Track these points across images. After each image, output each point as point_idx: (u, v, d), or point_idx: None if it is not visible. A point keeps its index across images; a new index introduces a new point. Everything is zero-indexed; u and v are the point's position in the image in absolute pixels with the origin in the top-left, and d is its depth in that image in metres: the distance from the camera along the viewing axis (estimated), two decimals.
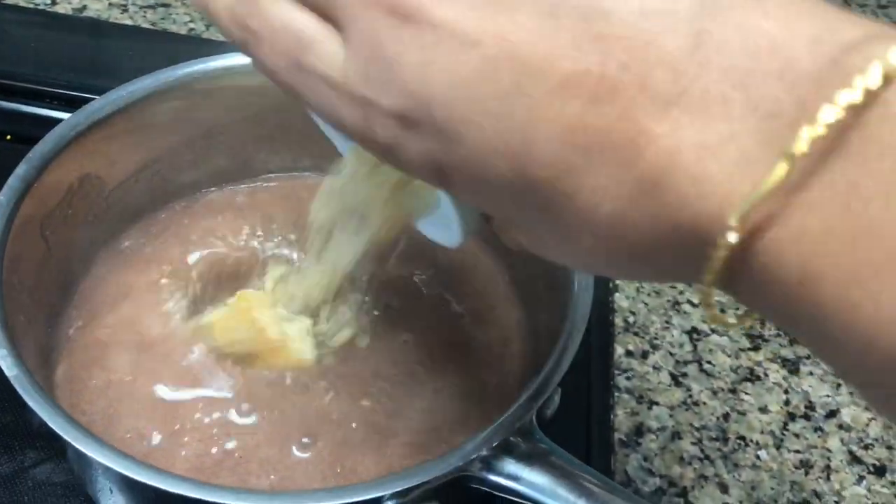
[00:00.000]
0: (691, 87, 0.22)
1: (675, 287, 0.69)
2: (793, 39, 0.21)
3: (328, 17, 0.27)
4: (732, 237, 0.22)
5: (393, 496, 0.40)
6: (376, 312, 0.52)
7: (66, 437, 0.39)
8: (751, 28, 0.22)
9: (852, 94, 0.20)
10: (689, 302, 0.68)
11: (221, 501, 0.38)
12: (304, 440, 0.47)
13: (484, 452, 0.41)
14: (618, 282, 0.69)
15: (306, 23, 0.27)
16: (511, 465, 0.42)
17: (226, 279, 0.54)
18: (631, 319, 0.67)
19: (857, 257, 0.19)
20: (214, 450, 0.47)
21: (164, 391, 0.49)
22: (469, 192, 0.27)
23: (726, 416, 0.62)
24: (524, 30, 0.23)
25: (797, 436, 0.61)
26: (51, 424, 0.40)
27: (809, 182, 0.20)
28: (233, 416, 0.48)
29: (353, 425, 0.48)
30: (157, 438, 0.47)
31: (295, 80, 0.28)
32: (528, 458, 0.42)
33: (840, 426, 0.61)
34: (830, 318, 0.20)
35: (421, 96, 0.24)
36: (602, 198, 0.24)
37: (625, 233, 0.24)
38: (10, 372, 0.41)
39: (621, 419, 0.61)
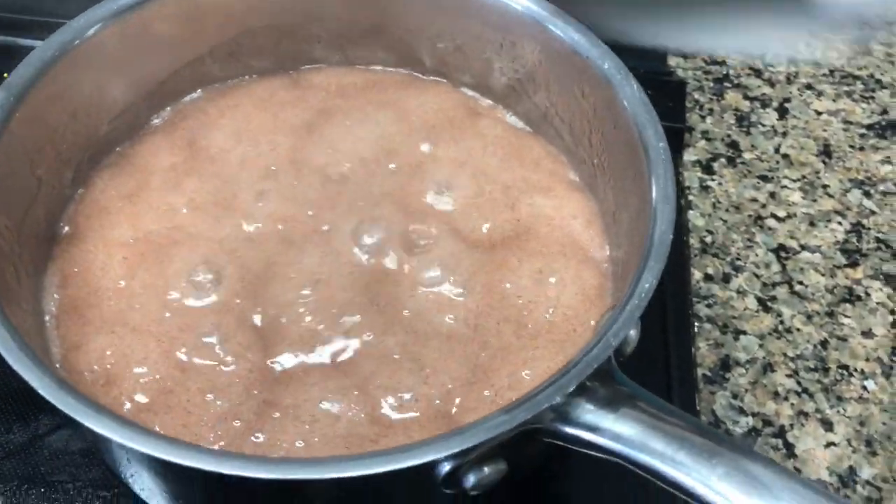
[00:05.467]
0: None
1: (756, 200, 0.61)
2: None
3: None
4: None
5: (450, 458, 0.33)
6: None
7: (72, 415, 0.33)
8: None
9: None
10: (774, 216, 0.60)
11: (258, 476, 0.32)
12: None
13: (557, 401, 0.34)
14: (691, 198, 0.61)
15: None
16: (589, 414, 0.35)
17: None
18: (708, 239, 0.59)
19: None
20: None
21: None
22: None
23: (824, 344, 0.54)
24: None
25: None
26: (53, 401, 0.34)
27: None
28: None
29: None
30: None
31: None
32: (610, 405, 0.36)
33: None
34: None
35: None
36: None
37: None
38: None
39: (704, 352, 0.53)
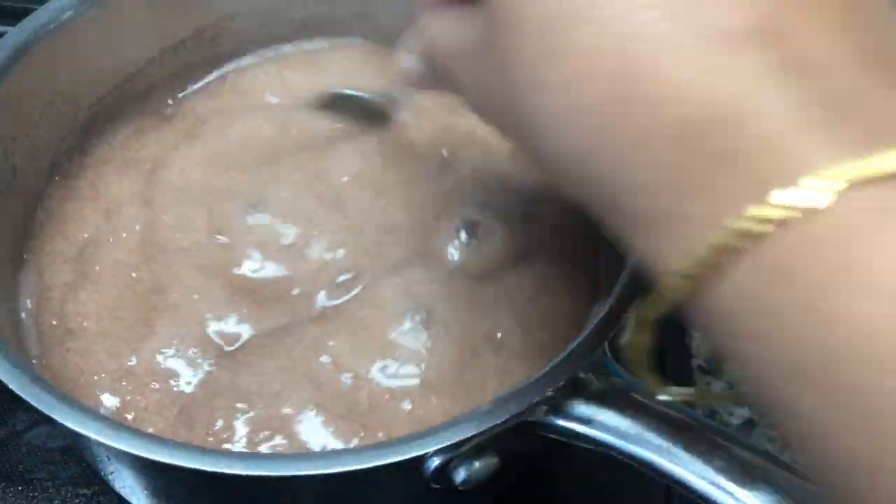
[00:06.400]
0: None
1: None
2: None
3: None
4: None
5: (438, 453, 0.32)
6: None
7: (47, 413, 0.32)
8: None
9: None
10: None
11: (240, 473, 0.31)
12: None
13: (549, 393, 0.33)
14: None
15: None
16: (582, 407, 0.34)
17: None
18: None
19: None
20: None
21: None
22: None
23: None
24: None
25: None
26: (26, 397, 0.33)
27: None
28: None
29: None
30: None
31: None
32: (603, 397, 0.35)
33: None
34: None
35: None
36: None
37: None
38: None
39: (699, 342, 0.52)
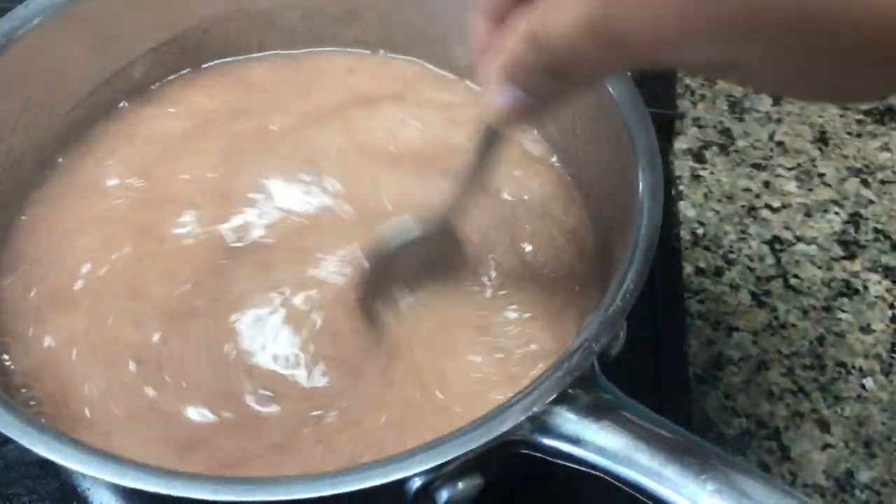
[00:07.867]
0: None
1: (749, 190, 0.58)
2: None
3: None
4: None
5: (421, 474, 0.31)
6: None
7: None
8: None
9: None
10: (768, 206, 0.58)
11: (215, 499, 0.30)
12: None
13: (535, 411, 0.32)
14: (682, 188, 0.58)
15: None
16: (570, 425, 0.33)
17: None
18: (700, 231, 0.56)
19: None
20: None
21: None
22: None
23: (821, 340, 0.52)
24: None
25: None
26: None
27: None
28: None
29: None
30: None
31: None
32: (592, 415, 0.33)
33: None
34: None
35: None
36: None
37: None
38: None
39: (696, 350, 0.51)
